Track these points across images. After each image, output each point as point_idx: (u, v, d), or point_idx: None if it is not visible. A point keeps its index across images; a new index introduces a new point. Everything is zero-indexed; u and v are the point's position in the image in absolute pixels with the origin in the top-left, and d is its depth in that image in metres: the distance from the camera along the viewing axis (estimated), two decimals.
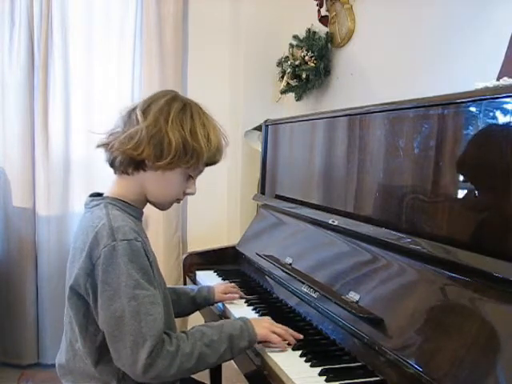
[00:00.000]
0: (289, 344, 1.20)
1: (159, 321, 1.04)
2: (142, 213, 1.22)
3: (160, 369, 1.02)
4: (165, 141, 1.10)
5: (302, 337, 1.22)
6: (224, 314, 1.52)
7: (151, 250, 1.18)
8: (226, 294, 1.53)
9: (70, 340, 1.15)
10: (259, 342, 1.18)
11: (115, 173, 1.19)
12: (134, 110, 1.15)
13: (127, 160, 1.12)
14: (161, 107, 1.13)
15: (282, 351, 1.18)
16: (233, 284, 1.61)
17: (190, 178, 1.20)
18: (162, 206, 1.24)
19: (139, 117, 1.11)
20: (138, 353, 1.00)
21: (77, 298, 1.10)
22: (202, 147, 1.13)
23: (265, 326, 1.18)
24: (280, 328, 1.21)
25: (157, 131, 1.10)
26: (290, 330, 1.22)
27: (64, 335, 1.19)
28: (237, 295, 1.56)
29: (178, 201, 1.23)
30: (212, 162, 1.20)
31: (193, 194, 1.23)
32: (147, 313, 1.02)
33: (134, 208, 1.18)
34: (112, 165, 1.17)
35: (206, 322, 1.83)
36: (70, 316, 1.13)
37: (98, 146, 1.17)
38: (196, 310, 1.53)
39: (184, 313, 1.49)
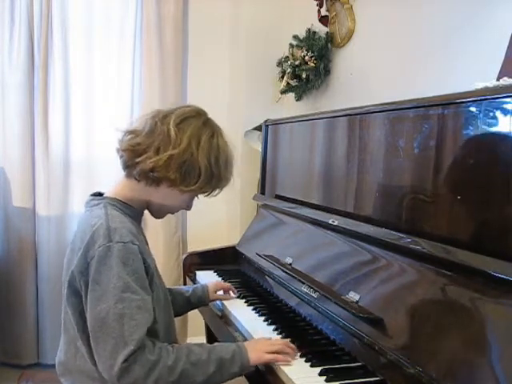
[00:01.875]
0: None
1: (142, 327, 1.02)
2: (141, 214, 1.23)
3: (136, 376, 0.99)
4: (195, 169, 1.12)
5: (297, 351, 1.15)
6: (223, 314, 1.52)
7: (149, 252, 1.18)
8: (217, 290, 1.55)
9: (72, 337, 1.14)
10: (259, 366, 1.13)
11: (126, 176, 1.18)
12: (165, 118, 1.14)
13: (150, 174, 1.13)
14: (194, 131, 1.14)
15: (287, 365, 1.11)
16: (228, 284, 1.62)
17: (196, 197, 1.23)
18: (159, 216, 1.26)
19: (173, 133, 1.12)
20: (116, 357, 0.98)
21: (74, 296, 1.10)
22: (221, 177, 1.18)
23: (258, 349, 1.12)
24: (276, 345, 1.14)
25: (188, 157, 1.12)
26: (290, 344, 1.16)
27: (63, 333, 1.18)
28: (230, 296, 1.58)
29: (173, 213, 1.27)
30: (225, 186, 1.23)
31: (189, 210, 1.27)
32: (131, 317, 1.01)
33: (133, 209, 1.18)
34: (127, 168, 1.17)
35: (205, 321, 1.83)
36: (69, 314, 1.13)
37: (124, 150, 1.15)
38: (191, 310, 1.54)
39: (178, 313, 1.49)
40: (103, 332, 1.01)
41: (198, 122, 1.16)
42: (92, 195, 1.21)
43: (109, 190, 1.20)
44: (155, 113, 1.17)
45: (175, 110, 1.17)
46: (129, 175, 1.17)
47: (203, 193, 1.20)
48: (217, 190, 1.22)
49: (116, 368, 0.98)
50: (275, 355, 1.12)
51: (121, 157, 1.17)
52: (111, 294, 1.01)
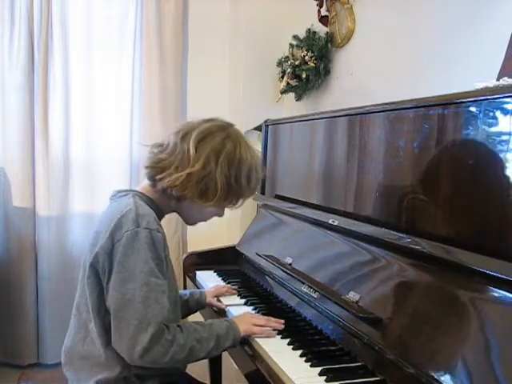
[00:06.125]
0: (278, 330, 1.28)
1: (166, 310, 1.08)
2: (162, 215, 1.27)
3: (156, 355, 1.06)
4: (211, 185, 1.15)
5: (282, 321, 1.30)
6: (223, 314, 1.52)
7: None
8: (215, 296, 1.56)
9: (84, 320, 1.17)
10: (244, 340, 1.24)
11: (151, 185, 1.22)
12: (185, 135, 1.16)
13: (169, 191, 1.17)
14: (214, 148, 1.15)
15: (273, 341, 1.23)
16: (227, 286, 1.63)
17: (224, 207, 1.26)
18: (190, 224, 1.32)
19: (192, 152, 1.14)
20: (138, 336, 1.04)
21: (94, 277, 1.13)
22: (243, 190, 1.20)
23: (247, 322, 1.26)
24: (261, 319, 1.29)
25: (206, 174, 1.14)
26: (273, 319, 1.30)
27: (74, 317, 1.21)
28: (223, 304, 1.56)
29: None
30: (248, 197, 1.25)
31: (221, 216, 1.29)
32: (157, 300, 1.07)
33: (158, 207, 1.23)
34: (152, 181, 1.20)
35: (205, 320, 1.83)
36: (86, 297, 1.15)
37: (147, 167, 1.19)
38: (189, 315, 1.55)
39: None
40: (127, 312, 1.06)
41: (218, 137, 1.17)
42: (116, 191, 1.25)
43: (138, 187, 1.25)
44: (180, 127, 1.20)
45: (199, 125, 1.19)
46: (154, 185, 1.21)
47: (224, 206, 1.24)
48: (239, 202, 1.24)
49: (139, 347, 1.04)
50: (262, 329, 1.25)
51: (146, 168, 1.21)
52: (138, 278, 1.06)
